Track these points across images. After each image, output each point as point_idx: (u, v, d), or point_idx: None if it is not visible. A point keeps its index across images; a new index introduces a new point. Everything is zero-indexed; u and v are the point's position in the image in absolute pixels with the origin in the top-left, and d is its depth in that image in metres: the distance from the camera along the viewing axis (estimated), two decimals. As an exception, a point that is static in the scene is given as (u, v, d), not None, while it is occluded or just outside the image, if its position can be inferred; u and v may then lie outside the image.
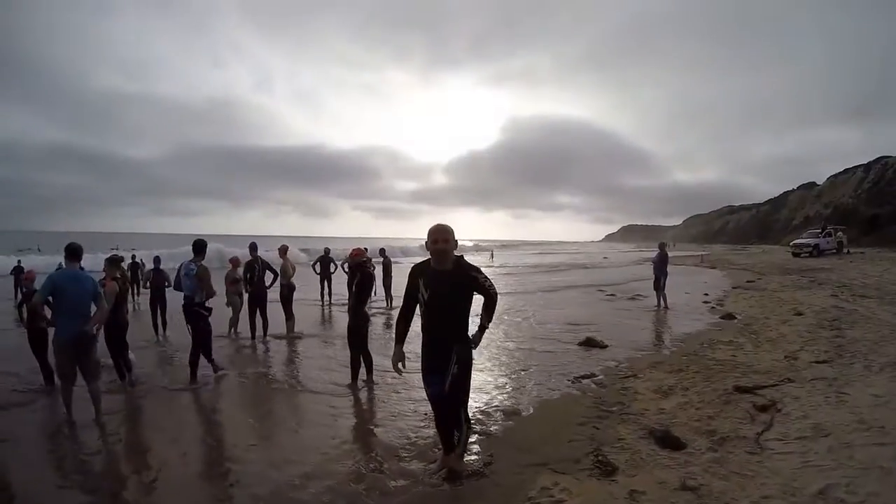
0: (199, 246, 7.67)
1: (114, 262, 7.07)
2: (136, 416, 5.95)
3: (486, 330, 4.17)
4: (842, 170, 66.87)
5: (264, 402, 6.43)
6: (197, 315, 7.33)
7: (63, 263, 5.86)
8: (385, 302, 14.94)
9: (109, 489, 4.13)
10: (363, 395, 6.62)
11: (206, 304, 7.41)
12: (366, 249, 7.17)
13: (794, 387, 6.18)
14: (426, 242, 3.95)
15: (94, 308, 5.61)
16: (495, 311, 4.17)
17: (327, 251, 16.32)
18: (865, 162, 62.01)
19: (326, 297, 15.82)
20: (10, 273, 17.23)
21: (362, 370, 7.06)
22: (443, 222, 3.95)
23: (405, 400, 6.23)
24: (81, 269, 5.87)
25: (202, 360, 7.27)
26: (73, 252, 5.65)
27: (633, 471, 4.17)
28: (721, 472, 4.08)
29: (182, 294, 7.45)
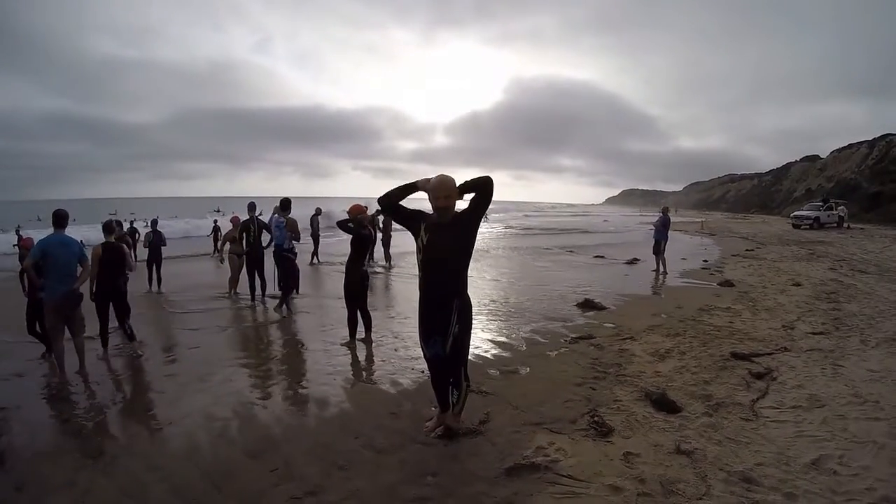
0: (286, 203, 9.38)
1: (107, 228, 6.98)
2: (137, 378, 5.97)
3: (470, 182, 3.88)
4: (846, 144, 66.08)
5: (263, 361, 6.44)
6: (286, 259, 9.06)
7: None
8: (385, 262, 14.90)
9: (110, 453, 4.13)
10: (361, 353, 6.65)
11: (294, 250, 9.19)
12: (366, 208, 7.11)
13: (791, 356, 6.22)
14: (430, 197, 3.87)
15: (80, 270, 6.06)
16: (487, 199, 3.86)
17: (318, 211, 16.19)
18: (870, 139, 61.21)
19: (316, 258, 15.76)
20: (14, 245, 15.40)
21: (361, 329, 7.08)
22: (444, 174, 3.89)
23: (403, 358, 6.28)
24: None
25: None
26: (60, 218, 5.97)
27: (628, 432, 4.20)
28: (716, 437, 4.10)
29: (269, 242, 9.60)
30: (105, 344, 6.82)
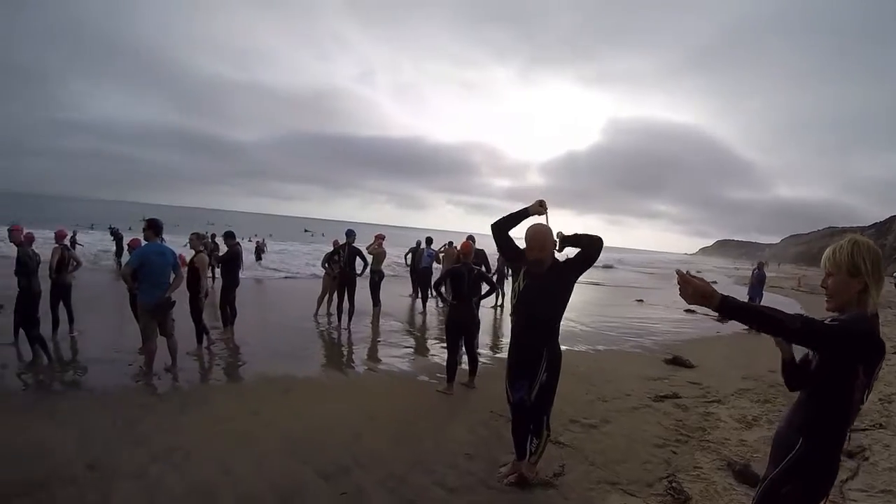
0: (430, 239, 14.39)
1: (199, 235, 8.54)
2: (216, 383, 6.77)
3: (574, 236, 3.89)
4: (961, 199, 61.88)
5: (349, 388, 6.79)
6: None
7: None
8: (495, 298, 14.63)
9: (181, 447, 4.57)
10: (459, 390, 6.68)
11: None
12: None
13: (886, 434, 5.90)
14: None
15: (173, 277, 6.64)
16: (592, 259, 3.85)
17: (419, 244, 15.93)
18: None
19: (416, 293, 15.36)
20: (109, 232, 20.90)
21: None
22: (539, 222, 3.93)
23: (487, 400, 6.25)
24: (162, 240, 6.67)
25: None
26: (157, 227, 6.51)
27: (706, 503, 4.11)
28: (797, 518, 3.98)
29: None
30: (200, 341, 7.94)
